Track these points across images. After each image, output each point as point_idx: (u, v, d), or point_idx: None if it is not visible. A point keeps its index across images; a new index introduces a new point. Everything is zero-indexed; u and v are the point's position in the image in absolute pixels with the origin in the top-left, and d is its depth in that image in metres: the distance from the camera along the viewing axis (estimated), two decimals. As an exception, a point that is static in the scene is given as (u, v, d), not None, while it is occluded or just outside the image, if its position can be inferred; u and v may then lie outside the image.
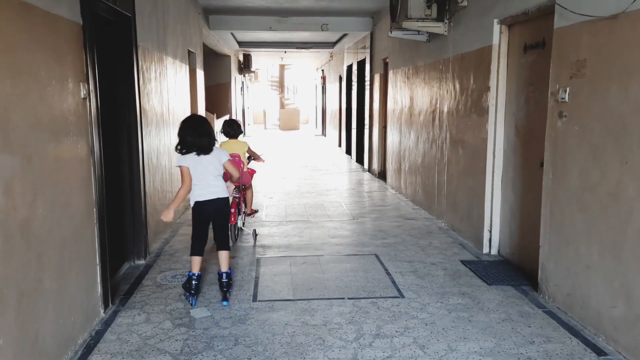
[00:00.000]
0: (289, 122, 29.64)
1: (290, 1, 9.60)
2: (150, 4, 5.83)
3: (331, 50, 16.37)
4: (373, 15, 11.09)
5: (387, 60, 9.86)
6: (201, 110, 9.69)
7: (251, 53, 19.28)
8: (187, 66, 8.30)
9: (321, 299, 4.34)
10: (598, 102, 3.57)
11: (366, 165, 12.09)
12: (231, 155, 5.37)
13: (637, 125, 3.21)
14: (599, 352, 3.43)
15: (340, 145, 17.37)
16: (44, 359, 3.03)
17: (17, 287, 2.75)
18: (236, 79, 18.61)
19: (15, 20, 2.79)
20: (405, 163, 8.59)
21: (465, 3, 5.81)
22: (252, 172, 6.29)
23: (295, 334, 3.69)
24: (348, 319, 3.94)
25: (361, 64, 12.82)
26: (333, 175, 11.53)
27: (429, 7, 6.25)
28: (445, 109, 6.59)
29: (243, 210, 6.29)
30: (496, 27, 5.22)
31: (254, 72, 24.89)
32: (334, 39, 14.71)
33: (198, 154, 4.16)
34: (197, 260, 4.29)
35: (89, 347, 3.51)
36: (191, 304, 4.21)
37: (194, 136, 4.13)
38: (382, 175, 10.70)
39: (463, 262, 5.23)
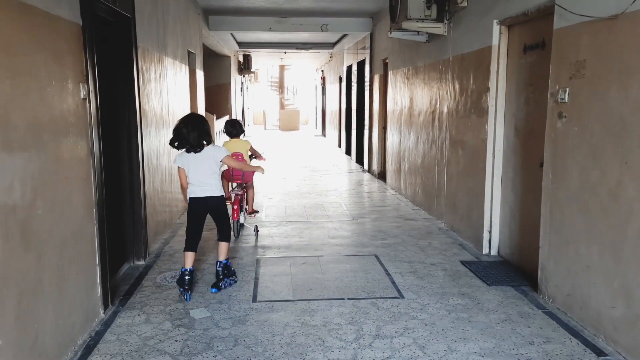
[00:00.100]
0: (288, 123, 29.64)
1: (290, 2, 9.60)
2: (150, 4, 5.83)
3: (331, 50, 16.38)
4: (373, 16, 11.09)
5: (387, 60, 9.86)
6: (201, 111, 9.69)
7: (251, 54, 19.28)
8: (187, 67, 8.30)
9: (321, 299, 4.34)
10: (598, 102, 3.57)
11: (366, 166, 12.09)
12: (234, 154, 5.56)
13: (636, 126, 3.21)
14: (599, 352, 3.43)
15: (340, 145, 17.38)
16: (44, 360, 3.03)
17: (17, 288, 2.75)
18: (236, 79, 18.62)
19: (15, 20, 2.79)
20: (405, 164, 8.59)
21: (464, 4, 5.82)
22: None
23: (295, 335, 3.69)
24: (348, 320, 3.94)
25: (361, 65, 12.82)
26: (333, 176, 11.53)
27: (428, 7, 6.25)
28: (445, 110, 6.59)
29: (245, 207, 6.45)
30: (496, 28, 5.22)
31: (253, 72, 24.90)
32: (333, 40, 14.71)
33: (188, 151, 4.33)
34: (189, 256, 4.40)
35: (89, 348, 3.51)
36: (186, 299, 4.31)
37: (183, 130, 4.30)
38: (381, 175, 10.70)
39: (463, 262, 5.23)
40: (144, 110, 5.45)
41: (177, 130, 4.35)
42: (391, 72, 9.46)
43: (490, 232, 5.51)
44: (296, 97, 37.48)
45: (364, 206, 8.29)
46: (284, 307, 4.17)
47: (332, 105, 19.54)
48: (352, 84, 14.07)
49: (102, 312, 3.98)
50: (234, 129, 6.21)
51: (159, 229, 6.10)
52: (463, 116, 6.02)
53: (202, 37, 10.35)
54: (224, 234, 4.61)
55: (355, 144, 13.68)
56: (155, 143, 5.96)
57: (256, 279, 4.83)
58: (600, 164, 3.55)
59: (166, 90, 6.61)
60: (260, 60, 22.80)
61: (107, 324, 3.87)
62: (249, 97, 26.48)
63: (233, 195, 6.09)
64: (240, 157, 5.95)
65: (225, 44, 14.32)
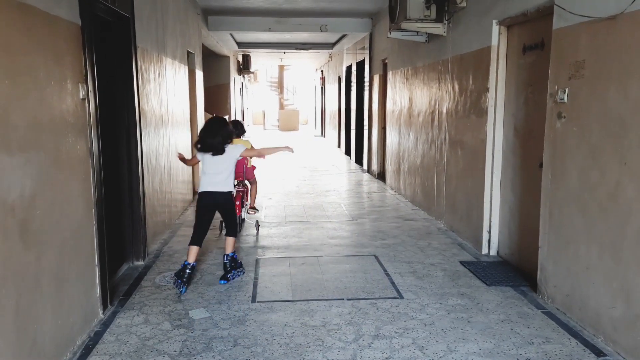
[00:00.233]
0: (288, 123, 29.64)
1: (289, 2, 9.60)
2: (149, 4, 5.83)
3: (330, 51, 16.38)
4: (372, 16, 11.09)
5: (386, 61, 9.86)
6: (200, 111, 9.69)
7: (250, 54, 19.27)
8: (186, 67, 8.29)
9: (320, 299, 4.34)
10: (597, 102, 3.58)
11: (365, 166, 12.09)
12: None
13: (636, 126, 3.21)
14: (598, 352, 3.43)
15: (339, 146, 17.38)
16: (43, 360, 3.03)
17: (16, 288, 2.74)
18: (235, 79, 18.61)
19: (14, 21, 2.79)
20: (405, 164, 8.59)
21: (464, 4, 5.82)
22: (252, 167, 6.71)
23: (294, 335, 3.69)
24: (347, 320, 3.93)
25: (360, 65, 12.82)
26: (332, 176, 11.53)
27: (427, 8, 6.25)
28: (445, 110, 6.59)
29: (247, 203, 6.71)
30: (495, 28, 5.22)
31: (253, 72, 24.89)
32: (333, 40, 14.71)
33: (213, 154, 4.60)
34: (193, 250, 4.56)
35: (88, 348, 3.51)
36: (180, 291, 4.44)
37: (207, 136, 4.60)
38: (381, 176, 10.70)
39: (462, 262, 5.23)
40: (143, 111, 5.45)
41: (202, 137, 4.63)
42: (390, 72, 9.46)
43: (489, 232, 5.51)
44: (295, 97, 37.50)
45: (363, 206, 8.29)
46: (283, 308, 4.17)
47: (332, 106, 19.54)
48: (352, 84, 14.07)
49: (101, 312, 3.98)
50: (236, 129, 6.33)
51: (158, 230, 6.09)
52: (462, 116, 6.02)
53: (202, 38, 10.35)
54: (231, 230, 4.84)
55: (355, 144, 13.69)
56: (155, 143, 5.96)
57: (255, 279, 4.83)
58: (599, 164, 3.55)
59: (165, 91, 6.60)
60: (260, 60, 22.80)
61: (106, 325, 3.87)
62: (248, 97, 26.47)
63: (234, 192, 6.17)
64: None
65: (225, 44, 14.32)
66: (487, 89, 5.34)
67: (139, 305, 4.23)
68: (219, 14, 10.89)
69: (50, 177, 3.18)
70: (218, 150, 4.58)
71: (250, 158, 6.45)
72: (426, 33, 6.95)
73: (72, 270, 3.49)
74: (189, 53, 8.56)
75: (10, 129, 2.72)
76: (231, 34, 13.03)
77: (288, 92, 36.12)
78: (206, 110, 10.82)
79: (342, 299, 4.34)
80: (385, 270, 5.04)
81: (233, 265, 4.80)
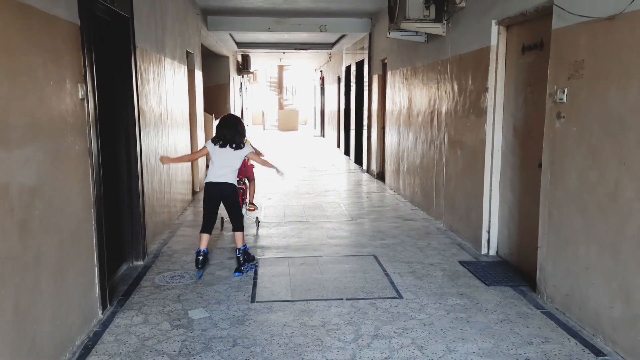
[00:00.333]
0: (287, 123, 29.64)
1: (288, 2, 9.60)
2: (148, 4, 5.83)
3: (330, 51, 16.37)
4: (371, 16, 11.09)
5: (386, 61, 9.86)
6: (199, 112, 9.69)
7: (250, 54, 19.26)
8: (186, 67, 8.29)
9: (319, 299, 4.34)
10: (596, 102, 3.58)
11: (365, 166, 12.09)
12: None
13: (635, 126, 3.21)
14: (597, 352, 3.43)
15: (339, 146, 17.38)
16: (42, 361, 3.02)
17: (15, 289, 2.74)
18: (235, 79, 18.59)
19: (12, 21, 2.79)
20: (404, 164, 8.59)
21: (463, 4, 5.82)
22: (251, 165, 6.80)
23: (293, 335, 3.69)
24: (346, 320, 3.93)
25: (360, 65, 12.83)
26: (332, 176, 11.53)
27: (427, 8, 6.25)
28: (444, 110, 6.59)
29: (246, 200, 6.81)
30: (494, 28, 5.22)
31: (252, 73, 24.86)
32: (332, 40, 14.71)
33: (221, 146, 4.90)
34: (203, 238, 4.96)
35: (87, 349, 3.50)
36: (197, 276, 4.82)
37: (229, 131, 4.92)
38: (380, 176, 10.70)
39: (461, 262, 5.23)
40: (143, 111, 5.44)
41: (223, 132, 4.94)
42: (390, 72, 9.47)
43: (489, 232, 5.51)
44: (295, 97, 37.49)
45: (362, 206, 8.29)
46: (282, 308, 4.17)
47: (331, 106, 19.54)
48: (351, 84, 14.07)
49: (100, 312, 3.98)
50: None
51: (158, 230, 6.09)
52: (462, 116, 6.02)
53: (201, 38, 10.34)
54: (237, 225, 5.09)
55: (354, 145, 13.69)
56: (154, 143, 5.95)
57: (255, 279, 4.83)
58: (598, 164, 3.55)
59: (165, 91, 6.60)
60: (259, 60, 22.79)
61: (105, 325, 3.86)
62: (247, 97, 26.45)
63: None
64: None
65: (224, 44, 14.32)
66: (486, 89, 5.34)
67: (138, 305, 4.22)
68: (218, 14, 10.89)
69: (49, 177, 3.17)
70: (238, 145, 4.92)
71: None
72: (425, 33, 6.95)
73: (71, 270, 3.49)
74: (188, 53, 8.56)
75: (9, 129, 2.71)
76: (230, 34, 13.02)
77: (287, 92, 36.11)
78: (205, 110, 10.82)
79: (342, 299, 4.34)
80: (384, 270, 5.04)
81: (246, 258, 5.01)
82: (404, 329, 3.77)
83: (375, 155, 11.03)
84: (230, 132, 4.91)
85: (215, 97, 15.87)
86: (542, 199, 4.24)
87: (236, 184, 5.06)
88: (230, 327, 3.82)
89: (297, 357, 3.39)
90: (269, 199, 8.77)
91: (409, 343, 3.57)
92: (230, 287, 4.62)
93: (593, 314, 3.64)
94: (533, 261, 4.45)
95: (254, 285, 4.68)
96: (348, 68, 14.78)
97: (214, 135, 5.06)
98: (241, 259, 4.98)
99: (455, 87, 6.18)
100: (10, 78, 2.75)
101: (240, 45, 15.58)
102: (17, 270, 2.77)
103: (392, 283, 4.70)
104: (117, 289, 4.55)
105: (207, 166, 5.34)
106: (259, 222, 6.82)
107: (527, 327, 3.79)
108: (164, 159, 5.10)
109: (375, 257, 5.48)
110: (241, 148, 4.96)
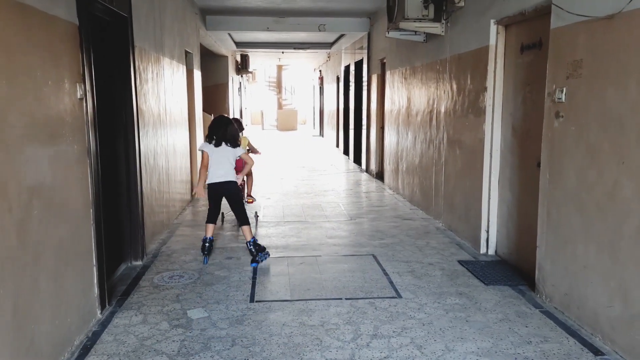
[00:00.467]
0: (286, 123, 29.63)
1: (287, 2, 9.60)
2: (147, 4, 5.82)
3: (329, 50, 16.37)
4: (370, 15, 11.09)
5: (385, 60, 9.86)
6: (198, 111, 9.68)
7: (248, 53, 19.26)
8: (184, 67, 8.29)
9: (319, 299, 4.34)
10: (595, 102, 3.58)
11: (364, 166, 12.09)
12: None
13: (634, 125, 3.22)
14: (596, 352, 3.43)
15: (338, 146, 17.38)
16: (41, 361, 3.02)
17: (14, 288, 2.74)
18: (234, 79, 18.59)
19: (11, 20, 2.78)
20: (403, 163, 8.60)
21: (462, 3, 5.82)
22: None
23: (292, 335, 3.69)
24: (345, 320, 3.93)
25: (359, 65, 12.82)
26: (331, 176, 11.53)
27: (426, 7, 6.25)
28: (443, 110, 6.59)
29: (245, 193, 7.24)
30: (493, 28, 5.22)
31: (251, 72, 24.87)
32: (331, 40, 14.71)
33: (216, 145, 5.25)
34: (209, 227, 5.38)
35: (86, 348, 3.50)
36: (203, 262, 5.24)
37: (222, 131, 5.28)
38: (379, 175, 10.71)
39: (460, 262, 5.24)
40: (141, 110, 5.44)
41: (215, 132, 5.29)
42: (389, 72, 9.47)
43: (487, 231, 5.51)
44: (294, 97, 37.48)
45: (361, 206, 8.29)
46: (281, 307, 4.17)
47: (330, 105, 19.54)
48: (350, 84, 14.07)
49: (99, 312, 3.97)
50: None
51: (156, 229, 6.09)
52: (460, 116, 6.02)
53: (200, 37, 10.33)
54: (242, 219, 5.38)
55: (353, 144, 13.68)
56: (153, 143, 5.95)
57: (254, 279, 4.83)
58: (597, 163, 3.55)
59: (163, 90, 6.60)
60: (258, 60, 22.78)
61: (104, 325, 3.86)
62: (246, 97, 26.44)
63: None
64: None
65: (223, 43, 14.31)
66: (485, 89, 5.35)
67: (137, 305, 4.22)
68: (217, 13, 10.88)
69: (47, 177, 3.17)
70: (232, 142, 5.28)
71: (248, 152, 6.72)
72: (424, 33, 6.95)
73: (70, 270, 3.49)
74: (187, 53, 8.55)
75: (7, 128, 2.71)
76: (229, 34, 13.02)
77: (286, 92, 36.11)
78: (204, 110, 10.81)
79: (341, 299, 4.34)
80: (383, 270, 5.04)
81: (258, 249, 5.27)
82: (403, 329, 3.78)
83: (374, 154, 11.03)
84: (222, 132, 5.25)
85: (214, 96, 15.87)
86: (540, 199, 4.25)
87: (237, 181, 5.40)
88: (229, 327, 3.82)
89: (296, 356, 3.39)
90: (268, 198, 8.77)
91: (408, 342, 3.57)
92: (229, 286, 4.62)
93: (592, 313, 3.64)
94: (532, 260, 4.46)
95: (253, 285, 4.68)
96: (347, 68, 14.78)
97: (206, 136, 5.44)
98: (253, 250, 5.25)
99: (454, 86, 6.18)
100: (9, 78, 2.75)
101: (239, 44, 15.57)
102: (16, 270, 2.76)
103: (391, 282, 4.70)
104: (116, 289, 4.55)
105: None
106: (257, 217, 6.99)
107: (526, 327, 3.80)
108: (199, 192, 5.42)
109: (374, 256, 5.48)
110: (236, 146, 5.33)
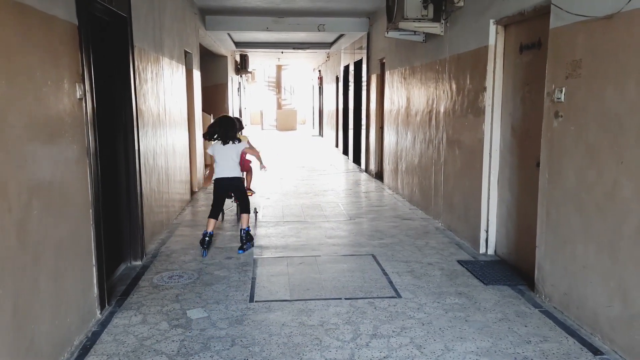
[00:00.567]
0: (286, 123, 29.63)
1: (286, 2, 9.60)
2: (146, 4, 5.82)
3: (328, 50, 16.37)
4: (369, 15, 11.09)
5: (384, 60, 9.87)
6: (198, 111, 9.68)
7: (248, 53, 19.25)
8: (184, 67, 8.29)
9: (318, 299, 4.34)
10: (594, 102, 3.58)
11: (363, 166, 12.09)
12: None
13: (633, 125, 3.22)
14: (595, 351, 3.43)
15: (337, 145, 17.38)
16: (40, 361, 3.02)
17: (13, 289, 2.74)
18: (233, 79, 18.58)
19: (10, 20, 2.78)
20: (402, 163, 8.60)
21: (461, 3, 5.82)
22: (248, 160, 7.32)
23: (292, 335, 3.69)
24: (345, 319, 3.94)
25: (358, 65, 12.83)
26: (330, 176, 11.53)
27: (425, 7, 6.25)
28: (442, 109, 6.60)
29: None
30: (492, 28, 5.23)
31: (250, 72, 24.86)
32: (330, 40, 14.71)
33: (223, 143, 5.69)
34: (211, 222, 5.68)
35: (85, 349, 3.50)
36: (202, 255, 5.49)
37: (224, 129, 5.70)
38: (379, 175, 10.71)
39: (460, 262, 5.24)
40: (141, 110, 5.44)
41: (218, 130, 5.73)
42: (388, 72, 9.47)
43: (487, 231, 5.52)
44: (293, 97, 37.47)
45: (361, 206, 8.30)
46: (281, 307, 4.17)
47: (330, 105, 19.54)
48: (349, 83, 14.07)
49: (98, 312, 3.97)
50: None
51: (156, 229, 6.09)
52: (460, 116, 6.02)
53: (199, 37, 10.33)
54: (244, 207, 5.87)
55: (353, 144, 13.68)
56: (152, 143, 5.95)
57: (253, 279, 4.83)
58: (596, 163, 3.55)
59: (163, 90, 6.60)
60: (257, 60, 22.78)
61: (103, 325, 3.86)
62: (246, 97, 26.43)
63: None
64: None
65: (222, 43, 14.31)
66: (485, 89, 5.35)
67: (137, 305, 4.22)
68: (216, 13, 10.88)
69: (47, 177, 3.17)
70: (233, 139, 5.70)
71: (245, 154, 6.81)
72: (423, 33, 6.95)
73: (70, 270, 3.49)
74: (186, 53, 8.55)
75: (7, 128, 2.71)
76: (229, 34, 13.01)
77: (286, 92, 36.09)
78: (204, 110, 10.81)
79: (340, 299, 4.34)
80: (383, 270, 5.04)
81: (247, 238, 5.72)
82: (403, 328, 3.78)
83: (373, 154, 11.03)
84: (224, 130, 5.67)
85: (214, 96, 15.86)
86: (540, 199, 4.25)
87: (242, 176, 5.89)
88: (229, 327, 3.82)
89: (296, 356, 3.40)
90: (268, 198, 8.77)
91: (407, 342, 3.58)
92: (228, 286, 4.62)
93: (591, 313, 3.64)
94: (531, 260, 4.46)
95: (253, 284, 4.68)
96: (346, 68, 14.78)
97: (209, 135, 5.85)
98: (244, 238, 5.70)
99: (454, 86, 6.19)
100: (8, 78, 2.75)
101: (238, 44, 15.57)
102: (15, 270, 2.76)
103: (390, 282, 4.70)
104: (115, 289, 4.55)
105: (206, 166, 5.84)
106: (257, 212, 7.20)
107: (525, 326, 3.80)
108: (207, 181, 6.17)
109: (373, 256, 5.49)
110: (239, 140, 5.78)
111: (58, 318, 3.27)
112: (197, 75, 9.79)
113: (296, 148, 18.51)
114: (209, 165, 5.89)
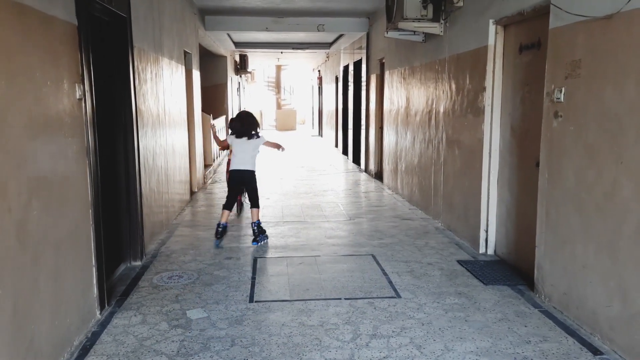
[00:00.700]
0: (285, 123, 29.63)
1: (286, 2, 9.60)
2: (145, 4, 5.82)
3: (327, 50, 16.37)
4: (369, 15, 11.09)
5: (384, 60, 9.87)
6: (197, 112, 9.68)
7: (247, 54, 19.25)
8: (183, 67, 8.29)
9: (318, 299, 4.34)
10: (593, 102, 3.58)
11: (363, 166, 12.09)
12: None
13: (632, 125, 3.22)
14: (595, 351, 3.44)
15: (336, 145, 17.38)
16: (40, 361, 3.02)
17: (13, 289, 2.74)
18: (232, 79, 18.58)
19: (9, 21, 2.78)
20: (402, 163, 8.60)
21: (460, 3, 5.82)
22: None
23: (292, 335, 3.69)
24: (345, 320, 3.94)
25: (357, 65, 12.83)
26: (330, 176, 11.53)
27: (424, 7, 6.25)
28: (441, 109, 6.60)
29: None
30: (492, 28, 5.23)
31: (250, 72, 24.85)
32: (330, 40, 14.71)
33: (238, 137, 5.97)
34: (225, 213, 5.99)
35: (85, 349, 3.50)
36: (215, 245, 5.83)
37: (244, 125, 6.00)
38: (378, 175, 10.71)
39: (459, 262, 5.24)
40: (140, 111, 5.44)
41: (237, 126, 6.02)
42: (388, 72, 9.47)
43: (486, 231, 5.52)
44: (293, 97, 37.48)
45: (360, 206, 8.30)
46: (281, 307, 4.17)
47: (329, 105, 19.54)
48: (349, 84, 14.07)
49: (98, 312, 3.97)
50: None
51: (156, 230, 6.09)
52: (459, 116, 6.02)
53: (199, 37, 10.33)
54: (254, 202, 6.08)
55: (352, 144, 13.68)
56: (152, 143, 5.95)
57: (253, 279, 4.83)
58: (596, 163, 3.56)
59: (162, 91, 6.60)
60: (257, 60, 22.77)
61: (103, 325, 3.86)
62: (245, 97, 26.43)
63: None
64: None
65: (222, 44, 14.31)
66: (484, 89, 5.35)
67: (137, 305, 4.22)
68: (215, 13, 10.88)
69: (47, 177, 3.17)
70: (252, 136, 5.96)
71: None
72: (423, 33, 6.96)
73: (70, 270, 3.49)
74: (186, 53, 8.55)
75: (6, 128, 2.71)
76: (228, 34, 13.01)
77: (285, 92, 36.10)
78: (203, 110, 10.81)
79: (340, 299, 4.35)
80: (382, 270, 5.04)
81: (260, 231, 5.94)
82: (402, 329, 3.78)
83: (373, 154, 11.03)
84: (241, 125, 5.95)
85: (213, 96, 15.86)
86: (539, 198, 4.25)
87: (255, 170, 6.02)
88: (229, 327, 3.82)
89: (296, 356, 3.40)
90: (267, 198, 8.76)
91: (407, 342, 3.58)
92: (228, 287, 4.62)
93: (591, 313, 3.65)
94: (531, 260, 4.46)
95: (252, 285, 4.68)
96: (346, 68, 14.78)
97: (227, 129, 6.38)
98: (256, 230, 5.93)
99: (453, 86, 6.19)
100: (8, 78, 2.74)
101: (238, 45, 15.57)
102: (15, 271, 2.76)
103: (390, 282, 4.70)
104: (115, 289, 4.55)
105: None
106: (243, 204, 7.46)
107: (525, 326, 3.80)
108: (214, 134, 6.79)
109: (373, 256, 5.49)
110: (256, 138, 6.01)
111: (58, 318, 3.27)
112: (196, 75, 9.79)
113: (296, 148, 18.50)
114: (228, 149, 6.33)
